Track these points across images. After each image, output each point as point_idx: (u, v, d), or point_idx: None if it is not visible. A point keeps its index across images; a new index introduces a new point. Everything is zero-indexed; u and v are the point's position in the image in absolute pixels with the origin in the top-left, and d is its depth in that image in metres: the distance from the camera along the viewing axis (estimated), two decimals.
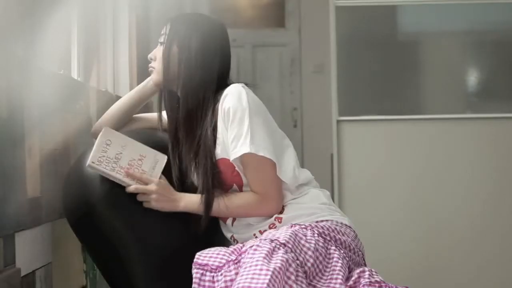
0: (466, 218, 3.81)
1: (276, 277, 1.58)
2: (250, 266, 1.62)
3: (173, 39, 1.99)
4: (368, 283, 1.72)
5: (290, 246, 1.69)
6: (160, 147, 2.07)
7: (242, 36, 5.97)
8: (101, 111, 2.59)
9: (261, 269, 1.59)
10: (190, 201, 1.93)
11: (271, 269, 1.59)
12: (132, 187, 1.90)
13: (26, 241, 1.91)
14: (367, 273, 1.75)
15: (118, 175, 1.90)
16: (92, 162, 1.89)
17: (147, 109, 3.69)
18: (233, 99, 1.89)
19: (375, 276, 1.75)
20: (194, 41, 1.97)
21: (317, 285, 1.70)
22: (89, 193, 1.97)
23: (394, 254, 3.79)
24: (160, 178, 1.94)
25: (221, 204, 1.92)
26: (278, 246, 1.67)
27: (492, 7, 3.98)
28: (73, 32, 2.72)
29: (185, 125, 1.98)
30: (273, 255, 1.64)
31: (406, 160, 3.84)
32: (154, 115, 2.27)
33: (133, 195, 1.97)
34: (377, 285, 1.72)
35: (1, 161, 1.75)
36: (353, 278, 1.74)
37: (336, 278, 1.71)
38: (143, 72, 3.63)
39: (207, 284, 1.70)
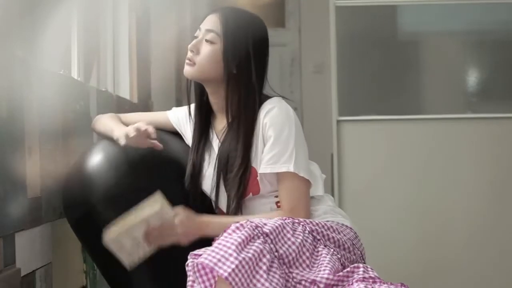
0: (466, 218, 3.81)
1: (243, 267, 1.59)
2: (224, 246, 1.62)
3: (229, 43, 1.96)
4: (361, 278, 1.71)
5: (272, 237, 1.69)
6: (166, 149, 2.07)
7: None
8: (101, 111, 2.59)
9: (230, 254, 1.60)
10: (215, 225, 1.88)
11: (240, 258, 1.60)
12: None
13: (26, 241, 1.91)
14: (361, 269, 1.75)
15: (152, 250, 1.86)
16: (129, 265, 1.85)
17: (148, 109, 3.70)
18: (282, 116, 1.94)
19: (370, 272, 1.75)
20: (251, 47, 1.98)
21: (306, 276, 1.69)
22: (89, 193, 1.98)
23: (394, 254, 3.79)
24: (175, 213, 1.85)
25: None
26: (259, 234, 1.68)
27: (492, 7, 3.97)
28: (73, 32, 2.72)
29: (245, 127, 1.97)
30: (249, 243, 1.65)
31: (406, 160, 3.84)
32: (144, 115, 2.25)
33: (133, 194, 1.97)
34: (370, 280, 1.71)
35: (1, 161, 1.75)
36: (345, 270, 1.74)
37: (324, 270, 1.71)
38: (143, 72, 3.64)
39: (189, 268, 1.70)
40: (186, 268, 1.72)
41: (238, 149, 1.96)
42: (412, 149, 3.84)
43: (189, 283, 1.69)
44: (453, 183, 3.82)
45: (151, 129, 1.94)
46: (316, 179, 2.02)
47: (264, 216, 1.87)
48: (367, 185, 3.83)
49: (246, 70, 1.98)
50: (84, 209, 1.99)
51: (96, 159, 2.01)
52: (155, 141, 1.96)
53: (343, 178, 3.82)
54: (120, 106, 3.03)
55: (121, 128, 2.01)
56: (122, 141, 1.94)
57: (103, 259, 2.09)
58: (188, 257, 1.73)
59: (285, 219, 1.80)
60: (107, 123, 2.11)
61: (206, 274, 1.62)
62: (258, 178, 1.96)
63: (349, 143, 3.83)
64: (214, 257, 1.60)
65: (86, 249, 2.18)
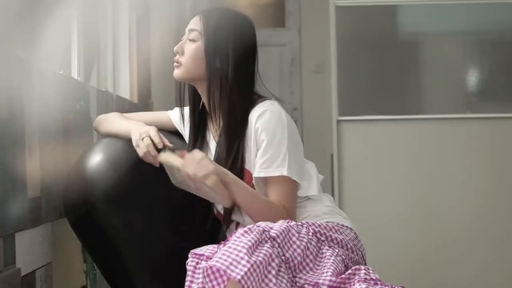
0: (466, 218, 3.81)
1: (255, 270, 1.59)
2: (234, 249, 1.62)
3: (209, 38, 1.97)
4: (363, 279, 1.72)
5: (279, 241, 1.70)
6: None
7: None
8: (101, 111, 2.59)
9: (242, 258, 1.60)
10: (233, 179, 1.89)
11: (252, 261, 1.60)
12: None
13: (26, 241, 1.91)
14: (363, 271, 1.75)
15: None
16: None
17: (148, 109, 3.70)
18: (274, 120, 1.93)
19: (371, 274, 1.75)
20: (231, 42, 1.96)
21: (309, 279, 1.70)
22: (89, 192, 1.98)
23: (394, 254, 3.79)
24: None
25: (250, 191, 1.91)
26: (266, 239, 1.68)
27: (492, 7, 3.98)
28: (73, 32, 2.72)
29: (229, 129, 1.98)
30: (258, 247, 1.65)
31: (406, 160, 3.84)
32: (146, 114, 2.25)
33: (133, 194, 1.97)
34: (372, 282, 1.72)
35: (2, 161, 1.75)
36: (347, 273, 1.74)
37: (327, 272, 1.71)
38: (143, 72, 3.64)
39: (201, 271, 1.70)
40: (187, 267, 1.72)
41: (229, 151, 1.97)
42: (412, 149, 3.84)
43: (187, 283, 1.69)
44: (453, 183, 3.82)
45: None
46: (311, 178, 2.02)
47: (265, 202, 1.89)
48: (367, 185, 3.84)
49: (227, 66, 1.96)
50: (84, 209, 1.99)
51: (96, 159, 2.01)
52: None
53: (343, 178, 3.82)
54: (120, 106, 3.03)
55: (140, 128, 2.02)
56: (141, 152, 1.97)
57: (103, 259, 2.09)
58: (189, 255, 1.73)
59: (289, 221, 1.81)
60: (120, 122, 2.11)
61: (217, 278, 1.61)
62: (254, 181, 1.96)
63: (349, 143, 3.83)
64: (225, 260, 1.60)
65: (86, 249, 2.18)
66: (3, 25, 1.82)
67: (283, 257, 1.68)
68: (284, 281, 1.65)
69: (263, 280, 1.62)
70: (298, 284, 1.69)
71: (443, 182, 3.82)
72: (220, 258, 1.61)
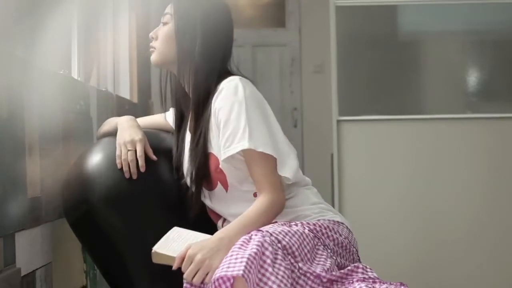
0: (466, 217, 3.81)
1: (252, 263, 1.57)
2: (227, 257, 1.62)
3: (179, 19, 1.96)
4: (361, 278, 1.71)
5: (270, 231, 1.67)
6: (165, 148, 2.07)
7: (242, 36, 5.96)
8: (101, 111, 2.59)
9: (236, 258, 1.58)
10: (230, 232, 1.76)
11: (246, 256, 1.58)
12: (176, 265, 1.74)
13: (26, 241, 1.91)
14: (360, 269, 1.75)
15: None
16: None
17: (148, 108, 3.70)
18: (228, 97, 1.85)
19: (369, 273, 1.74)
20: (199, 22, 1.94)
21: (311, 269, 1.68)
22: (89, 192, 1.98)
23: (393, 254, 3.79)
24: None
25: (245, 221, 1.79)
26: (255, 233, 1.67)
27: (492, 7, 3.98)
28: (73, 32, 2.73)
29: (194, 110, 1.95)
30: (250, 242, 1.64)
31: (406, 160, 3.84)
32: (145, 119, 2.26)
33: (133, 194, 1.97)
34: (370, 280, 1.71)
35: (2, 161, 1.75)
36: (346, 268, 1.74)
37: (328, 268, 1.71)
38: (143, 72, 3.64)
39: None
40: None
41: (194, 136, 1.94)
42: (412, 149, 3.84)
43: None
44: (453, 183, 3.82)
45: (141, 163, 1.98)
46: (287, 158, 1.90)
47: (258, 214, 1.80)
48: (367, 185, 3.83)
49: (195, 46, 1.93)
50: (84, 209, 1.99)
51: (96, 159, 2.01)
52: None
53: (343, 178, 3.82)
54: (120, 106, 3.04)
55: (126, 135, 2.02)
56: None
57: (103, 259, 2.09)
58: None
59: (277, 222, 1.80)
60: (113, 121, 2.14)
61: (220, 285, 1.57)
62: (221, 166, 1.89)
63: (349, 143, 3.83)
64: (223, 266, 1.59)
65: (86, 249, 2.18)
66: (3, 25, 1.82)
67: (279, 245, 1.66)
68: (282, 268, 1.62)
69: (259, 271, 1.60)
70: (300, 271, 1.67)
71: (443, 182, 3.82)
72: (218, 269, 1.60)
